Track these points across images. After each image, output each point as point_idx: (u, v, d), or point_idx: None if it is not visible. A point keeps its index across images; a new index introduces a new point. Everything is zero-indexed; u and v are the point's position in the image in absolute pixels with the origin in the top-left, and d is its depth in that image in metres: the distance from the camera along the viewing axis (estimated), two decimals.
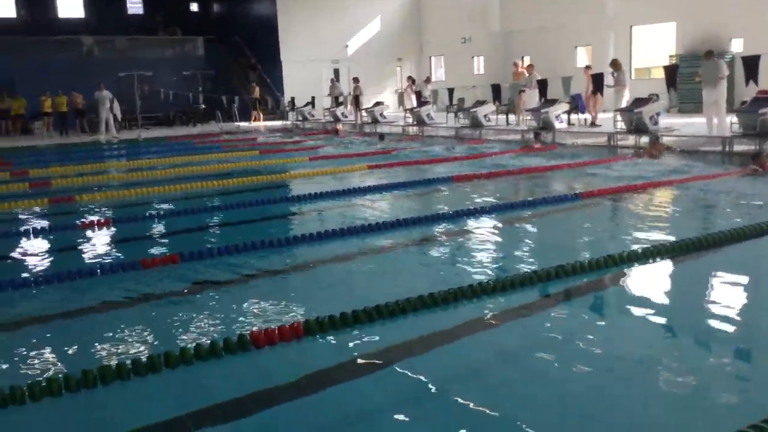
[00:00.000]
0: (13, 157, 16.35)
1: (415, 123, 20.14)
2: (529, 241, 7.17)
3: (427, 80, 23.47)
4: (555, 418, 3.24)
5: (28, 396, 3.46)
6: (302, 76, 27.49)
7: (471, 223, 7.51)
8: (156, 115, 26.57)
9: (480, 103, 18.70)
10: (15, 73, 24.50)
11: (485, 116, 17.93)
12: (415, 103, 21.24)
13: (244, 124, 25.15)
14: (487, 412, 3.27)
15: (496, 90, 18.96)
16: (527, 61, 21.61)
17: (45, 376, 3.77)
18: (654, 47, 21.58)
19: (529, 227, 7.70)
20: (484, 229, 7.34)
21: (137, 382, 3.67)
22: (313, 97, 25.73)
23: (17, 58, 25.00)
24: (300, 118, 25.29)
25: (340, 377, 3.71)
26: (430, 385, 3.56)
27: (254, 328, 4.28)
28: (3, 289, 5.39)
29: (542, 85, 16.86)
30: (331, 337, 4.18)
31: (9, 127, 23.98)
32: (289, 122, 25.98)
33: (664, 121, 14.35)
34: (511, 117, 19.18)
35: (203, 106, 27.44)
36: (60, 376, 3.63)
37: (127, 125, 24.81)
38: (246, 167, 13.33)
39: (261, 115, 26.43)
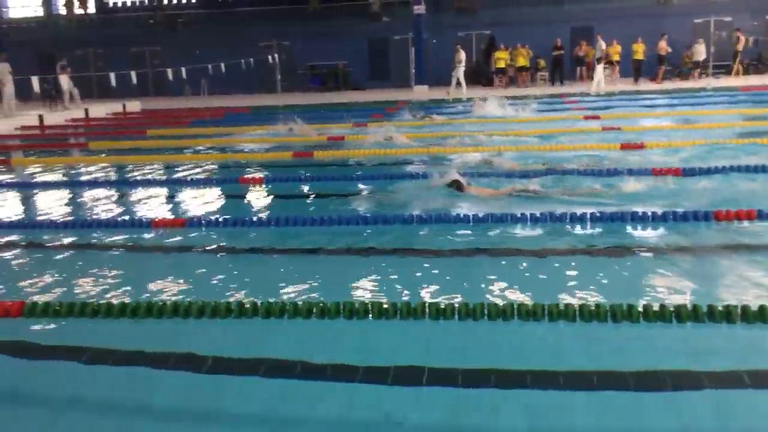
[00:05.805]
0: (585, 102, 17.45)
1: None
2: None
3: None
4: None
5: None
6: None
7: None
8: (726, 63, 24.81)
9: None
10: (594, 21, 26.05)
11: None
12: None
13: None
14: None
15: None
16: None
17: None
18: None
19: None
20: None
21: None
22: None
23: (596, 6, 26.42)
24: None
25: None
26: None
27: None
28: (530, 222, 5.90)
29: None
30: None
31: (583, 74, 25.67)
32: None
33: None
34: None
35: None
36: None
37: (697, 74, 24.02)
38: None
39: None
